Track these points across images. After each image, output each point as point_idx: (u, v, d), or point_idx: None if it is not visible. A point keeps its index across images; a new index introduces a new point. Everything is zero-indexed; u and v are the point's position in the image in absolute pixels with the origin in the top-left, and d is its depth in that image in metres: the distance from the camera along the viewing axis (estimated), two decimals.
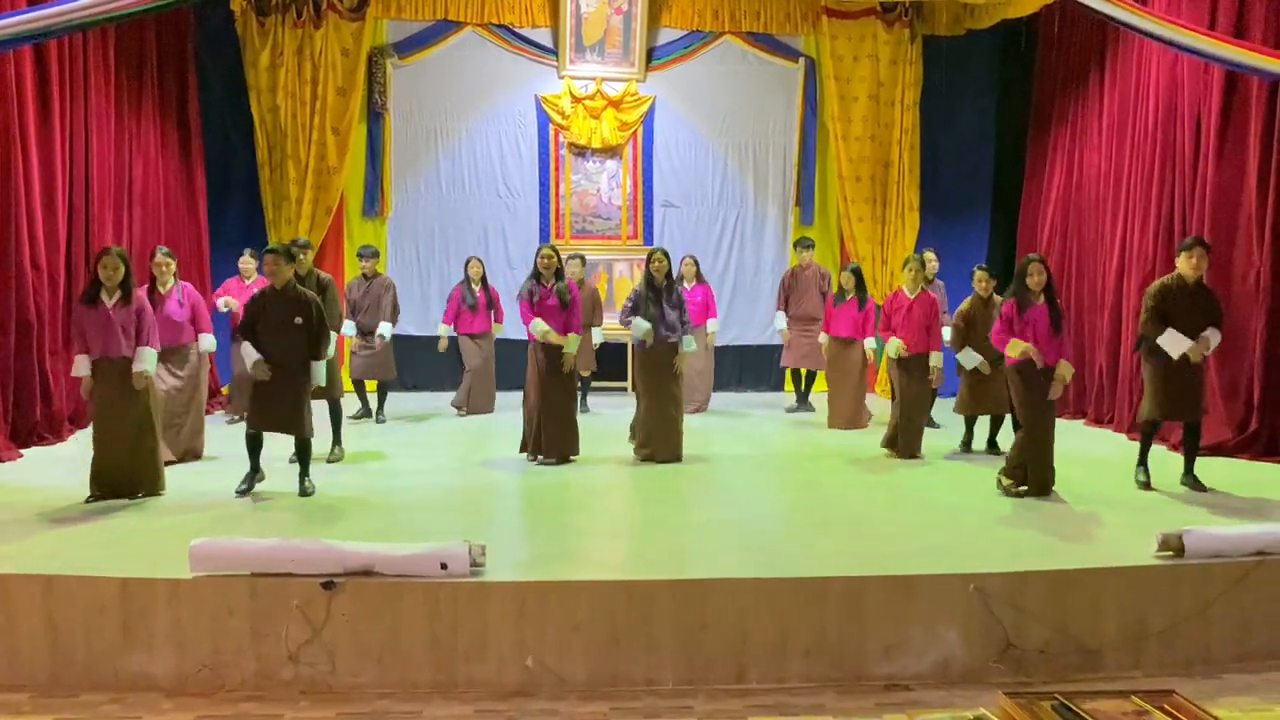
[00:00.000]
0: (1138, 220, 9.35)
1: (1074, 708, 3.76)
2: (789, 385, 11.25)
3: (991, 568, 4.71)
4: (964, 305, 7.94)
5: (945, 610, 4.56)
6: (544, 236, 12.06)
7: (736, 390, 12.14)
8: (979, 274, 7.97)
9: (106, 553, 4.90)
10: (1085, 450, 8.06)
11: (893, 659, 4.54)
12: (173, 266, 7.43)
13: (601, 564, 4.98)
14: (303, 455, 6.43)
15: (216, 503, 6.10)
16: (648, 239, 12.10)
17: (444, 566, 4.47)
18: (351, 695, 4.36)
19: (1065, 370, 6.30)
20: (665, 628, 4.47)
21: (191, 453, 7.51)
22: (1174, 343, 6.46)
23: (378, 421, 9.77)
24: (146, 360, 6.13)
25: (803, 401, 10.73)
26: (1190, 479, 6.71)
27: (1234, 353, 8.05)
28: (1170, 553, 4.85)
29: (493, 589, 4.46)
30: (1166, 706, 3.80)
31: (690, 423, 7.85)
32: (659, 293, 7.58)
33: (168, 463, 6.67)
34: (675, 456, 7.57)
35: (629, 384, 11.29)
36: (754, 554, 5.03)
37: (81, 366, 6.10)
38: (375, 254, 9.99)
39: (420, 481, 6.85)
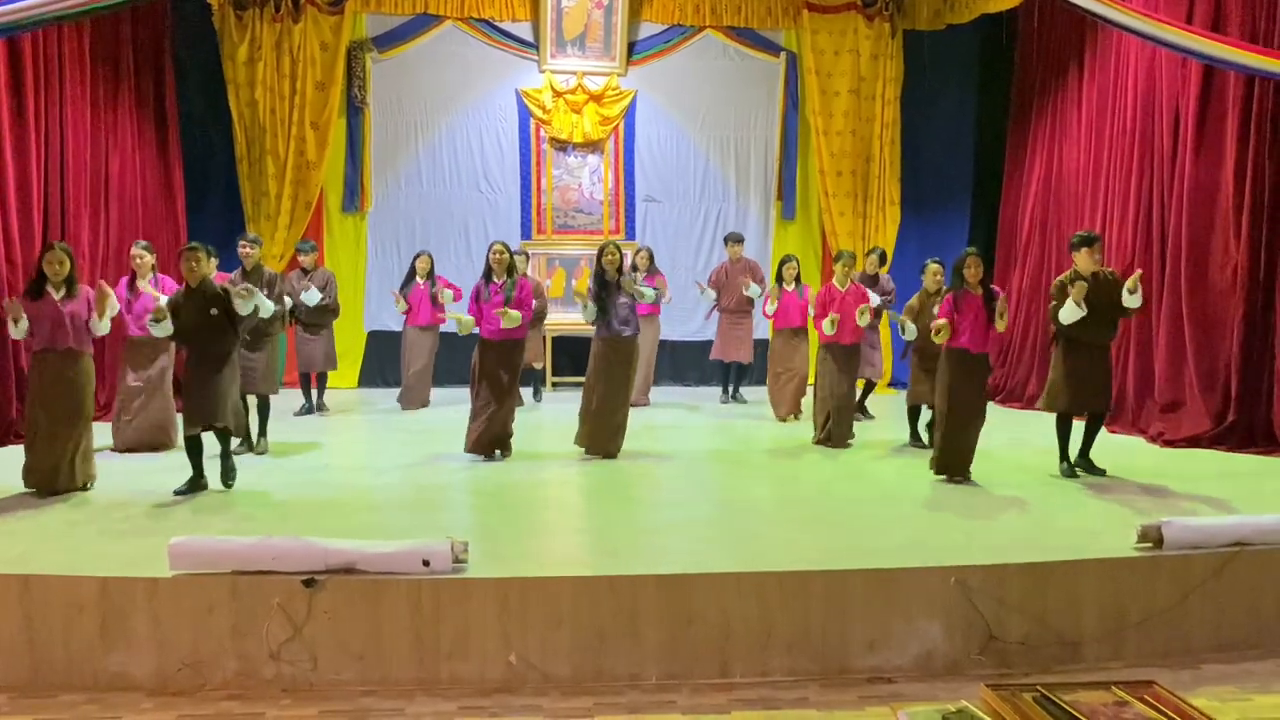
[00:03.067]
0: (1116, 213, 9.43)
1: (1055, 699, 3.78)
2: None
3: (972, 561, 4.73)
4: (912, 300, 8.01)
5: (927, 603, 4.57)
6: (525, 232, 12.04)
7: (716, 384, 12.16)
8: (932, 266, 8.00)
9: (84, 552, 4.86)
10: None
11: (875, 652, 4.55)
12: (150, 260, 7.52)
13: (584, 560, 4.98)
14: (224, 443, 6.40)
15: (194, 500, 6.06)
16: (630, 234, 12.10)
17: (426, 563, 4.45)
18: (333, 693, 4.34)
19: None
20: (648, 623, 4.46)
21: (163, 445, 7.63)
22: (1070, 312, 6.59)
23: (318, 411, 9.80)
24: (104, 325, 6.31)
25: (735, 393, 10.88)
26: (1085, 462, 6.92)
27: (1211, 345, 8.13)
28: (1149, 544, 4.89)
29: (475, 585, 4.45)
30: (1147, 697, 3.82)
31: (668, 417, 7.87)
32: (609, 287, 7.55)
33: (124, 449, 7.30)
34: (611, 453, 7.50)
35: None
36: (736, 549, 5.04)
37: (15, 330, 6.20)
38: (313, 248, 9.92)
39: (399, 478, 6.83)
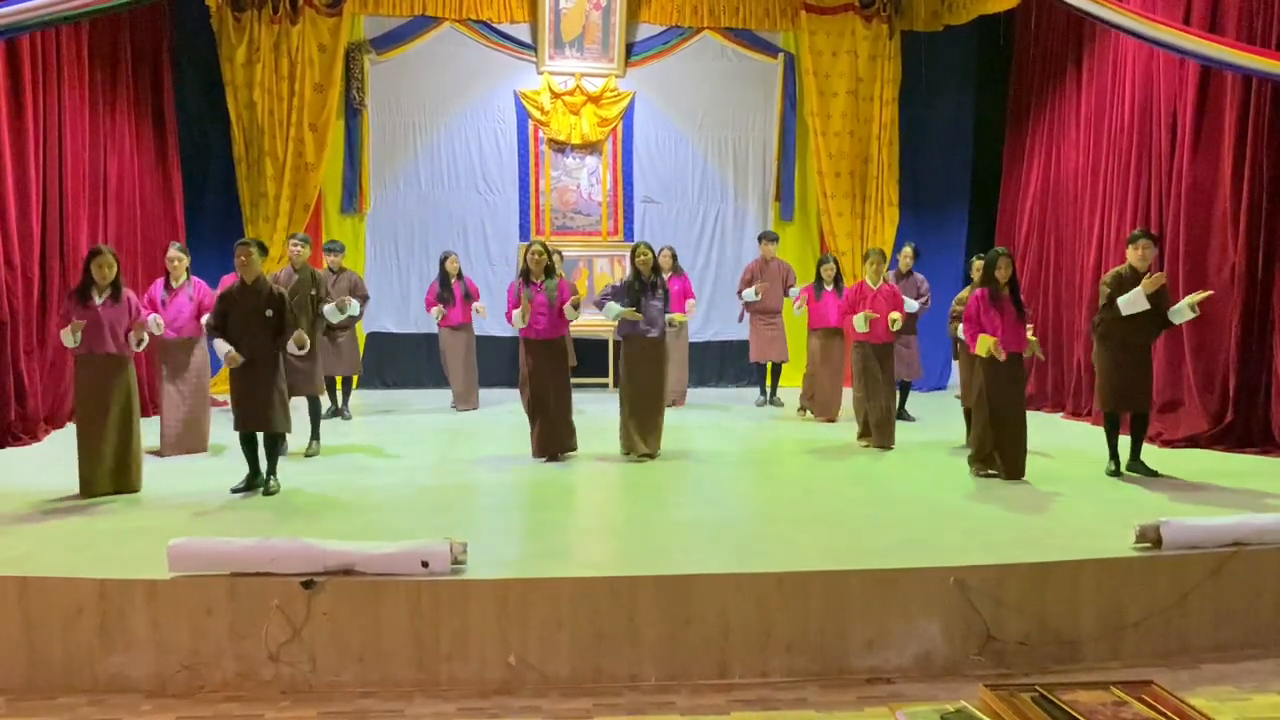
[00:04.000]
0: (1114, 214, 9.43)
1: (1054, 699, 3.79)
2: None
3: (971, 561, 4.74)
4: (963, 293, 7.97)
5: (926, 603, 4.58)
6: (524, 233, 12.04)
7: (716, 386, 12.18)
8: (978, 264, 7.97)
9: (83, 554, 4.85)
10: (1063, 443, 8.11)
11: (874, 652, 4.56)
12: (185, 261, 7.60)
13: (583, 561, 4.97)
14: (271, 452, 6.39)
15: (194, 502, 6.06)
16: (628, 235, 12.09)
17: (425, 564, 4.46)
18: (333, 694, 4.34)
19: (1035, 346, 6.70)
20: (648, 624, 4.47)
21: (198, 448, 7.68)
22: (1132, 301, 6.61)
23: (344, 418, 9.76)
24: (150, 324, 6.39)
25: (772, 395, 10.79)
26: (1137, 464, 6.92)
27: (1209, 346, 8.14)
28: (1148, 544, 4.89)
29: (474, 587, 4.45)
30: (1145, 697, 3.83)
31: (669, 418, 7.87)
32: (645, 286, 7.55)
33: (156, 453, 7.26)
34: (652, 453, 7.52)
35: (610, 380, 11.30)
36: (735, 549, 5.04)
37: (68, 338, 6.18)
38: (342, 249, 9.97)
39: (400, 479, 6.82)
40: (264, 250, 6.47)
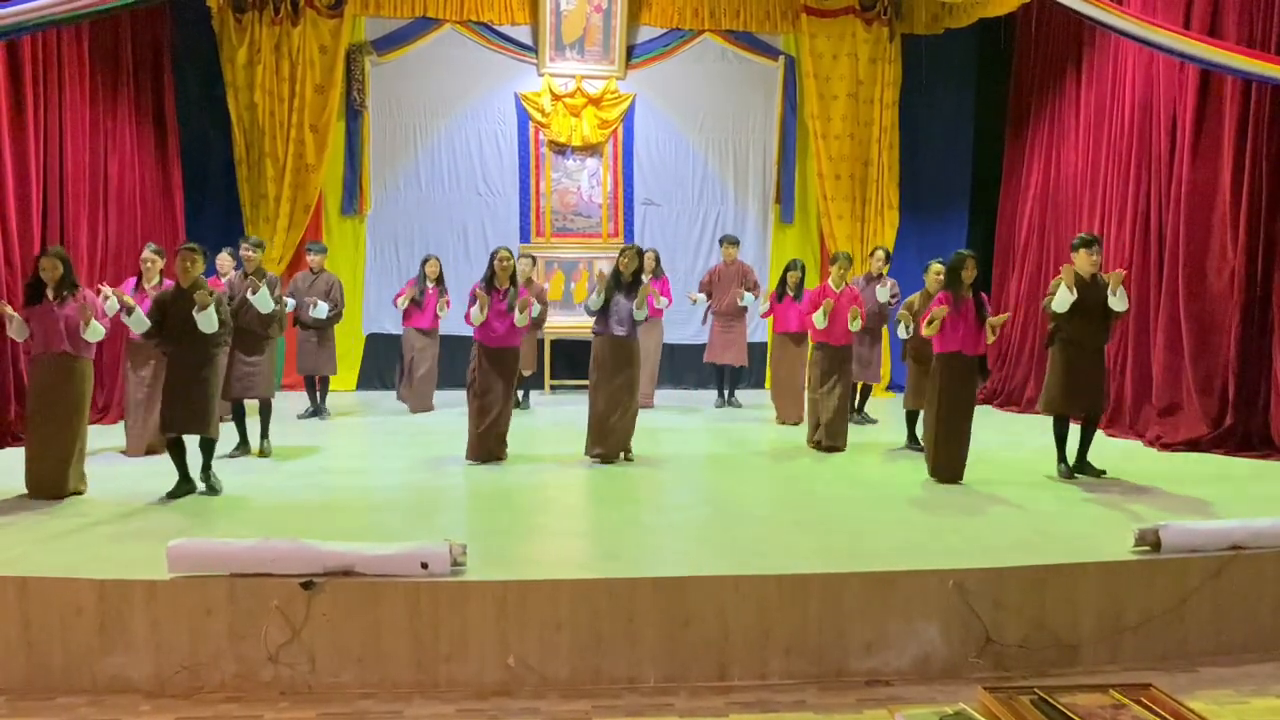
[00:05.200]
0: (1114, 218, 9.44)
1: (1053, 702, 3.79)
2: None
3: (970, 563, 4.73)
4: (911, 298, 7.97)
5: (925, 606, 4.58)
6: (524, 235, 12.05)
7: (710, 388, 12.17)
8: (935, 266, 7.99)
9: (82, 554, 4.85)
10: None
11: (873, 655, 4.56)
12: (159, 264, 7.51)
13: (582, 562, 4.97)
14: (206, 452, 6.35)
15: (192, 503, 6.06)
16: (628, 237, 12.11)
17: (425, 566, 4.46)
18: (332, 696, 4.34)
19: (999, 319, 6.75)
20: (646, 626, 4.47)
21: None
22: (1060, 299, 6.70)
23: (322, 418, 9.81)
24: (94, 331, 6.20)
25: (730, 397, 10.92)
26: (1083, 464, 6.95)
27: (1209, 349, 8.14)
28: (1147, 547, 4.89)
29: (473, 588, 4.45)
30: (1144, 700, 3.83)
31: (666, 420, 7.87)
32: (621, 285, 7.54)
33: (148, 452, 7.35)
34: (607, 455, 7.45)
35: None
36: (733, 551, 5.04)
37: (13, 332, 6.24)
38: (324, 250, 10.05)
39: (398, 480, 6.83)
40: (206, 255, 6.45)
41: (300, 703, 4.27)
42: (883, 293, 9.54)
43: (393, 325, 11.47)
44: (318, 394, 9.94)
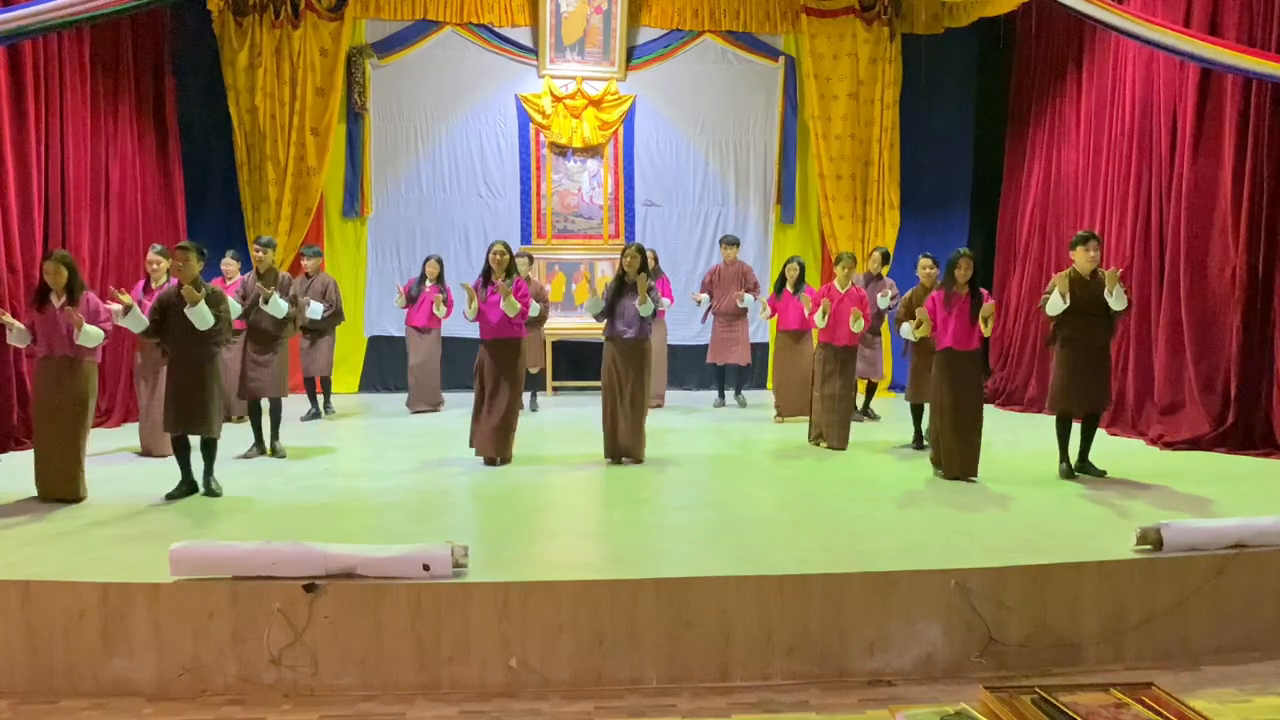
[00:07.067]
0: (1115, 216, 9.44)
1: (1054, 701, 3.79)
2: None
3: (972, 563, 4.73)
4: (908, 294, 7.99)
5: (927, 606, 4.58)
6: (525, 236, 12.06)
7: (712, 389, 12.17)
8: (924, 261, 8.09)
9: (85, 558, 4.86)
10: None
11: (875, 655, 4.56)
12: (165, 265, 7.55)
13: (584, 564, 4.98)
14: (207, 454, 6.35)
15: (194, 505, 6.07)
16: (629, 238, 12.11)
17: (426, 568, 4.46)
18: (334, 698, 4.34)
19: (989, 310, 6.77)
20: (649, 627, 4.47)
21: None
22: (1052, 303, 6.77)
23: (326, 415, 9.92)
24: (88, 336, 6.15)
25: (736, 394, 10.99)
26: (1085, 463, 6.97)
27: (1211, 347, 8.14)
28: (1149, 546, 4.89)
29: (475, 590, 4.45)
30: (1145, 699, 3.83)
31: (664, 421, 7.86)
32: (625, 287, 7.57)
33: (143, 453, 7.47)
34: (635, 457, 7.50)
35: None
36: (735, 552, 5.04)
37: (13, 338, 6.27)
38: (319, 253, 10.12)
39: (400, 483, 6.83)
40: (202, 255, 6.39)
41: (303, 705, 4.28)
42: (883, 300, 9.54)
43: (394, 328, 11.50)
44: (319, 396, 9.95)
